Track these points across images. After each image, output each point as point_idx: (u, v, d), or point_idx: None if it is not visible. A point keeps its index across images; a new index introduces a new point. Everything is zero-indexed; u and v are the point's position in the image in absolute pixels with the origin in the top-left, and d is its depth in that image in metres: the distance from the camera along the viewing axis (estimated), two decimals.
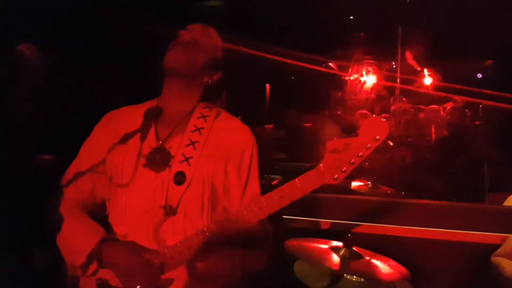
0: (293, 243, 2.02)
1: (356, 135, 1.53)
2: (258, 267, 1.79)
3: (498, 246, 2.42)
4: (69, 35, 2.52)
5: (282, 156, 4.84)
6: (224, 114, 1.85)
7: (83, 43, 2.62)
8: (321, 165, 1.56)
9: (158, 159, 1.69)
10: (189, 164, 1.68)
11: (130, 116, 1.78)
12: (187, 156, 1.69)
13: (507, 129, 4.25)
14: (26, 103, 2.17)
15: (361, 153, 1.51)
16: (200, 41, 1.77)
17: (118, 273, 1.59)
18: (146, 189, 1.67)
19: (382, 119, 1.52)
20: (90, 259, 1.60)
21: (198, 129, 1.75)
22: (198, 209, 1.68)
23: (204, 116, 1.79)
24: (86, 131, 1.87)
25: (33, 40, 2.18)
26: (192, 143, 1.71)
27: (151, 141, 1.72)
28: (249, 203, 1.61)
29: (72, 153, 1.86)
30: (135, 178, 1.68)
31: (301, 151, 4.57)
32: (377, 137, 1.49)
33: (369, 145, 1.50)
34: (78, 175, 1.75)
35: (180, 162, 1.68)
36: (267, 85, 5.68)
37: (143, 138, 1.72)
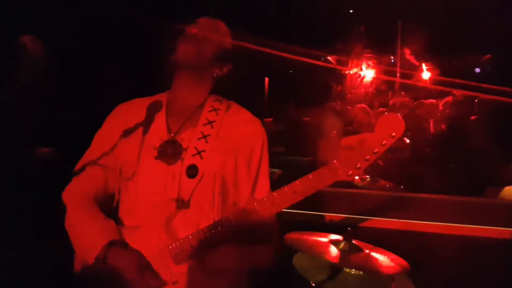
0: (293, 236, 2.02)
1: (372, 131, 1.51)
2: (266, 261, 1.79)
3: (495, 239, 2.44)
4: (77, 27, 2.52)
5: (281, 149, 4.84)
6: (235, 107, 1.84)
7: (92, 36, 2.62)
8: (335, 161, 1.54)
9: (170, 151, 1.69)
10: (201, 158, 1.68)
11: (141, 109, 1.78)
12: (200, 149, 1.69)
13: (504, 123, 4.25)
14: (28, 94, 2.17)
15: (376, 149, 1.49)
16: (209, 34, 1.76)
17: (118, 279, 1.59)
18: (157, 182, 1.67)
19: (399, 116, 1.50)
20: (97, 260, 1.60)
21: (210, 122, 1.75)
22: (209, 202, 1.69)
23: (215, 109, 1.78)
24: (90, 124, 1.88)
25: (38, 32, 2.18)
26: (204, 136, 1.71)
27: (162, 134, 1.72)
28: (262, 198, 1.61)
29: (74, 145, 1.86)
30: (146, 170, 1.68)
31: (300, 144, 4.57)
32: (393, 134, 1.48)
33: (384, 142, 1.48)
34: (90, 167, 1.75)
35: (193, 155, 1.68)
36: (266, 79, 5.68)
37: (154, 131, 1.72)
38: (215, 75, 1.82)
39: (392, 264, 1.84)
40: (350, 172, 1.52)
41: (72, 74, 2.48)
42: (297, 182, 1.57)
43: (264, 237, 1.72)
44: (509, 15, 4.59)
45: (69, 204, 1.72)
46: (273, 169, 3.49)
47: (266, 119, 4.85)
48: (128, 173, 1.71)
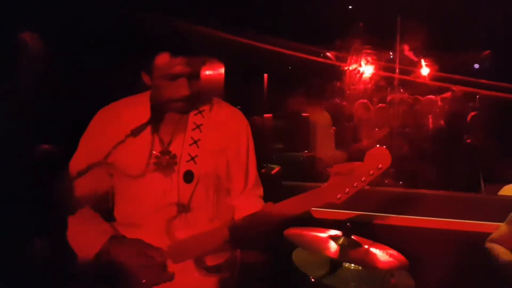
0: (292, 232, 2.03)
1: (361, 154, 1.61)
2: (261, 264, 1.98)
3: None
4: (77, 23, 2.52)
5: (280, 145, 4.85)
6: (216, 105, 1.91)
7: (93, 32, 2.61)
8: (326, 184, 1.64)
9: (165, 163, 1.77)
10: (195, 163, 1.78)
11: (126, 114, 1.81)
12: (193, 155, 1.78)
13: (503, 119, 4.26)
14: (27, 91, 2.17)
15: (364, 178, 1.60)
16: (198, 72, 1.75)
17: (124, 270, 1.66)
18: (156, 189, 1.75)
19: (386, 150, 1.60)
20: (99, 256, 1.66)
21: (198, 126, 1.83)
22: (207, 201, 1.80)
23: (200, 112, 1.85)
24: (86, 121, 1.88)
25: (36, 28, 2.18)
26: (195, 141, 1.80)
27: (155, 146, 1.79)
28: (257, 211, 1.69)
29: (75, 142, 1.88)
30: (144, 180, 1.75)
31: (299, 140, 4.57)
32: (380, 166, 1.58)
33: (371, 172, 1.59)
34: (78, 172, 1.78)
35: (187, 161, 1.77)
36: (265, 75, 5.67)
37: (146, 142, 1.78)
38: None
39: (391, 259, 1.85)
40: (339, 196, 1.63)
41: (72, 71, 2.47)
42: (288, 201, 1.66)
43: (258, 245, 1.86)
44: (508, 11, 4.59)
45: (66, 208, 1.77)
46: (272, 165, 3.49)
47: (265, 115, 4.85)
48: (123, 179, 1.78)
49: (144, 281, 1.65)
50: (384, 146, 1.61)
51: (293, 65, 5.91)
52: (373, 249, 1.92)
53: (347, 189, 1.61)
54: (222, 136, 1.85)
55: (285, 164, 3.62)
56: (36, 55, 2.20)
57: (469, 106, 5.15)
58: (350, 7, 5.69)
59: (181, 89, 1.70)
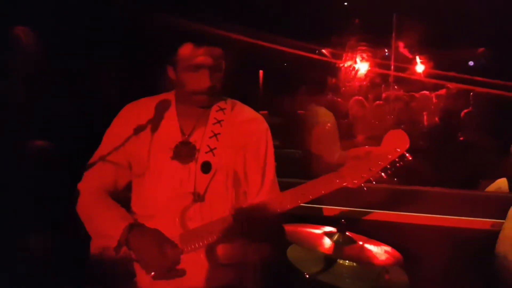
0: (287, 229, 2.03)
1: (379, 144, 1.62)
2: (269, 253, 1.92)
3: (488, 231, 2.46)
4: (74, 19, 2.51)
5: (276, 142, 4.84)
6: (238, 106, 1.98)
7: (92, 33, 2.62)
8: (343, 168, 1.67)
9: (185, 153, 1.82)
10: (214, 155, 1.82)
11: (150, 108, 1.88)
12: (212, 147, 1.83)
13: (498, 116, 4.27)
14: (23, 87, 2.16)
15: (381, 162, 1.61)
16: (220, 64, 1.81)
17: (139, 258, 1.71)
18: (173, 178, 1.80)
19: (404, 133, 1.59)
20: (120, 243, 1.71)
21: (219, 122, 1.88)
22: (223, 195, 1.84)
23: (222, 109, 1.92)
24: (86, 117, 1.91)
25: (37, 25, 2.18)
26: (215, 134, 1.85)
27: (176, 136, 1.84)
28: (271, 197, 1.75)
29: (70, 139, 1.89)
30: (162, 168, 1.81)
31: (295, 137, 4.57)
32: (398, 149, 1.59)
33: (389, 155, 1.60)
34: (101, 166, 1.85)
35: (206, 152, 1.82)
36: (261, 72, 5.67)
37: (167, 132, 1.84)
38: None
39: (385, 255, 1.86)
40: (355, 180, 1.65)
41: (68, 68, 2.47)
42: (306, 184, 1.70)
43: (270, 232, 1.84)
44: (503, 8, 4.60)
45: (84, 195, 1.83)
46: None
47: (261, 112, 4.84)
48: (142, 170, 1.83)
49: (153, 274, 1.69)
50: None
51: (289, 62, 5.91)
52: (368, 245, 1.92)
53: (364, 174, 1.62)
54: (241, 134, 1.89)
55: (281, 161, 3.61)
56: (31, 50, 2.20)
57: (463, 103, 5.16)
58: (345, 3, 5.69)
59: (203, 80, 1.75)
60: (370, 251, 1.88)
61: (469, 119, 4.60)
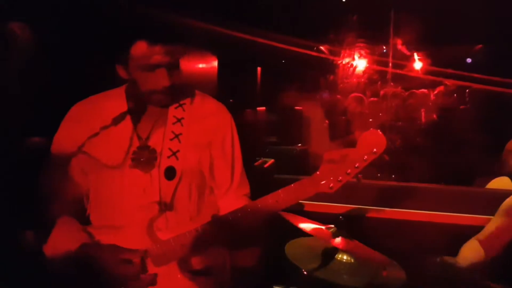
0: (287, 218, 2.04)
1: (354, 146, 1.54)
2: (248, 263, 1.81)
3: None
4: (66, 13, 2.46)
5: (273, 139, 4.86)
6: (197, 98, 1.82)
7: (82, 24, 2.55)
8: (317, 173, 1.57)
9: (144, 159, 1.67)
10: (177, 159, 1.68)
11: (102, 108, 1.72)
12: (174, 150, 1.69)
13: (495, 113, 4.29)
14: (15, 82, 2.13)
15: (358, 164, 1.52)
16: (178, 62, 1.67)
17: (101, 276, 1.56)
18: (135, 187, 1.65)
19: (380, 133, 1.53)
20: (75, 262, 1.56)
21: (179, 120, 1.74)
22: (189, 199, 1.71)
23: (180, 105, 1.76)
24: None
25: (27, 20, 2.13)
26: (176, 135, 1.71)
27: (132, 140, 1.68)
28: (244, 206, 1.62)
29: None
30: (122, 177, 1.65)
31: (293, 134, 4.59)
32: (375, 150, 1.51)
33: (365, 157, 1.52)
34: (52, 172, 1.71)
35: (168, 157, 1.68)
36: (259, 69, 5.68)
37: (122, 137, 1.68)
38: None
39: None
40: (331, 185, 1.56)
41: (61, 62, 2.43)
42: (279, 191, 1.59)
43: (245, 241, 1.78)
44: (501, 5, 4.60)
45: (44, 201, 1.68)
46: (265, 158, 3.50)
47: (258, 108, 4.85)
48: (99, 177, 1.68)
49: None
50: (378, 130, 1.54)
51: (287, 59, 5.91)
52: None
53: (340, 177, 1.54)
54: (204, 130, 1.76)
55: (278, 158, 3.63)
56: (26, 45, 2.18)
57: (460, 100, 5.17)
58: (343, 0, 5.68)
59: (161, 80, 1.60)
60: (367, 248, 1.89)
61: (466, 115, 4.62)
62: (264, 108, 4.92)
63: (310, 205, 2.78)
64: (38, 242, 1.71)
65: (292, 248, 2.07)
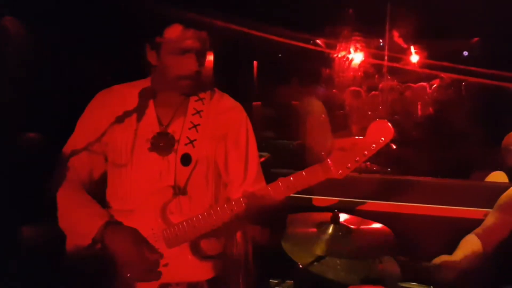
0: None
1: (363, 135, 1.62)
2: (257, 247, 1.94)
3: (481, 221, 2.48)
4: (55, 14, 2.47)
5: (270, 133, 4.85)
6: (217, 95, 1.92)
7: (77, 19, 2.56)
8: (328, 160, 1.64)
9: (163, 144, 1.77)
10: (193, 147, 1.78)
11: (125, 96, 1.82)
12: (192, 138, 1.79)
13: (491, 106, 4.29)
14: (11, 79, 2.14)
15: (366, 152, 1.60)
16: (203, 48, 1.76)
17: (117, 258, 1.64)
18: (152, 170, 1.75)
19: (388, 123, 1.61)
20: (95, 241, 1.64)
21: (198, 112, 1.83)
22: (204, 187, 1.80)
23: (201, 99, 1.87)
24: (76, 108, 1.86)
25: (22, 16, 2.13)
26: (195, 125, 1.81)
27: (153, 126, 1.79)
28: (255, 191, 1.68)
29: (59, 130, 1.85)
30: (140, 160, 1.76)
31: (289, 128, 4.58)
32: (382, 138, 1.59)
33: (374, 145, 1.59)
34: (74, 155, 1.78)
35: (185, 144, 1.77)
36: (255, 63, 5.66)
37: (144, 122, 1.79)
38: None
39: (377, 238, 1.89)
40: (340, 171, 1.63)
41: (56, 58, 2.43)
42: (291, 177, 1.66)
43: (256, 226, 1.80)
44: None
45: (59, 193, 1.74)
46: (261, 153, 3.49)
47: (254, 103, 4.84)
48: (118, 161, 1.77)
49: (128, 275, 1.64)
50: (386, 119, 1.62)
51: (283, 53, 5.89)
52: (361, 228, 1.97)
53: (349, 164, 1.62)
54: (221, 124, 1.85)
55: (275, 152, 3.62)
56: (19, 41, 2.17)
57: (456, 93, 5.17)
58: None
59: (190, 65, 1.71)
60: (363, 239, 1.90)
61: (462, 109, 4.62)
62: (260, 102, 4.90)
63: (306, 199, 2.78)
64: (41, 236, 1.74)
65: (289, 242, 2.06)
